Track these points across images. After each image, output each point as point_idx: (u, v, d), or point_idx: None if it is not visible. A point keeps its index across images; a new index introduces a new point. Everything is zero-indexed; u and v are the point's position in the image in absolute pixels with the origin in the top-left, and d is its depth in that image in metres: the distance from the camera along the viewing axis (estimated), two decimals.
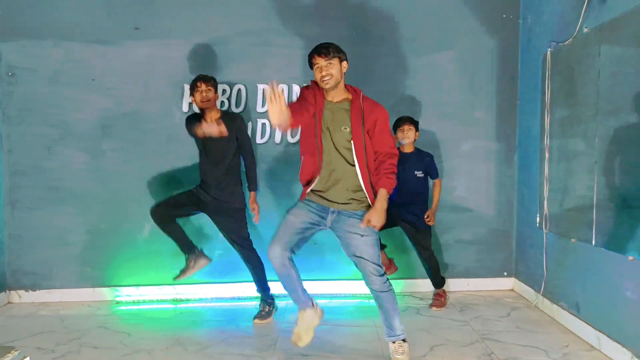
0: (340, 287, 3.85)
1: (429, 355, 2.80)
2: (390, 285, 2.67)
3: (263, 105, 3.86)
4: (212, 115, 3.30)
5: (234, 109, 3.85)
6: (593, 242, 2.85)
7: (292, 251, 2.61)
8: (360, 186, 2.58)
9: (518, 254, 4.01)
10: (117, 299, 3.83)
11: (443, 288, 3.71)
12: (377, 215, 2.50)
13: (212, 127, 3.10)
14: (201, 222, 3.75)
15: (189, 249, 3.39)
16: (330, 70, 2.53)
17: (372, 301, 3.62)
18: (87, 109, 3.80)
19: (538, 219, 3.54)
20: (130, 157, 3.83)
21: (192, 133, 3.30)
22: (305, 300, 2.72)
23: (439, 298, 3.65)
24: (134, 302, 3.79)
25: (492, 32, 3.94)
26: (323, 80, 2.54)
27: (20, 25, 3.74)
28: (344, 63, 2.62)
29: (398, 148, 3.57)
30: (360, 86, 3.90)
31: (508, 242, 4.06)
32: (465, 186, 4.01)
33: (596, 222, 2.81)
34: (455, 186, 4.00)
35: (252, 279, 3.46)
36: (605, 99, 2.72)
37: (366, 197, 2.60)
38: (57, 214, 3.83)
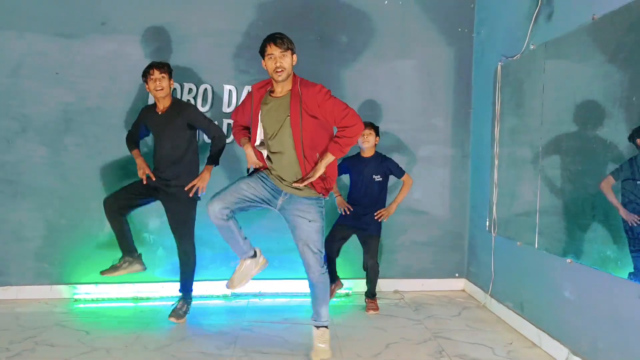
0: (299, 286, 3.87)
1: (384, 353, 2.90)
2: (327, 276, 2.77)
3: (229, 106, 3.91)
4: (164, 103, 3.29)
5: (199, 108, 3.85)
6: (536, 246, 3.03)
7: (232, 212, 2.65)
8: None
9: (470, 256, 4.19)
10: (76, 296, 3.78)
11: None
12: (312, 173, 2.56)
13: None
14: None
15: (128, 249, 3.37)
16: (283, 63, 2.55)
17: (334, 299, 3.75)
18: (50, 102, 3.75)
19: (487, 222, 3.72)
20: (92, 153, 3.80)
21: (143, 123, 3.36)
22: (246, 250, 2.79)
23: (374, 302, 3.72)
24: (93, 300, 3.76)
25: (449, 44, 4.13)
26: (276, 72, 2.54)
27: None
28: (294, 56, 2.64)
29: (358, 153, 3.68)
30: None
31: (461, 244, 4.24)
32: (421, 189, 4.16)
33: (539, 227, 3.00)
34: (411, 190, 4.13)
35: (183, 277, 3.41)
36: (549, 111, 2.91)
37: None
38: (14, 208, 3.77)
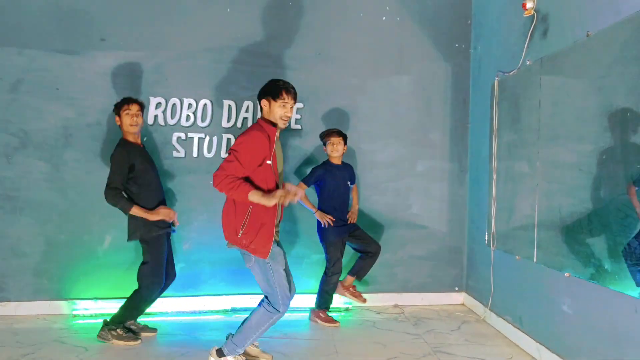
0: (298, 301, 3.86)
1: None
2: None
3: (228, 121, 3.94)
4: (137, 139, 3.32)
5: (199, 124, 3.91)
6: (535, 260, 3.04)
7: None
8: None
9: (469, 270, 4.19)
10: (75, 312, 3.76)
11: None
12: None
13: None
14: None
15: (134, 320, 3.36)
16: (290, 114, 2.74)
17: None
18: (50, 118, 3.77)
19: (486, 236, 3.73)
20: (91, 168, 3.80)
21: (130, 164, 3.16)
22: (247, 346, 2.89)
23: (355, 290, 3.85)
24: (92, 316, 3.74)
25: (446, 59, 4.17)
26: (283, 119, 2.72)
27: None
28: None
29: (328, 162, 3.73)
30: (322, 104, 4.09)
31: (460, 258, 4.24)
32: (419, 204, 4.18)
33: (537, 241, 3.01)
34: (410, 204, 4.17)
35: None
36: (545, 126, 2.94)
37: None
38: (13, 223, 3.76)
